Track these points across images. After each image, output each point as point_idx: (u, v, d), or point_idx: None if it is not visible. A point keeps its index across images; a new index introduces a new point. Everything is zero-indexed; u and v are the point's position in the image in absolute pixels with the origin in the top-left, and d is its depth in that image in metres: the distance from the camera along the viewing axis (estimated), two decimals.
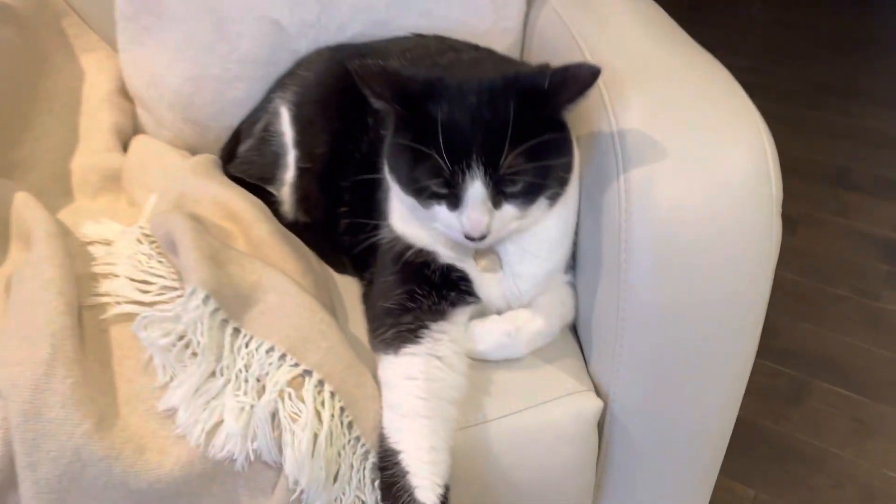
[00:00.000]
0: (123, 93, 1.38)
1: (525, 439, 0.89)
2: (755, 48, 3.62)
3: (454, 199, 0.83)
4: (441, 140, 0.78)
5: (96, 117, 1.31)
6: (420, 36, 1.23)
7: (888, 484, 1.62)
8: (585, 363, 0.96)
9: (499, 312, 0.95)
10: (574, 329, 1.01)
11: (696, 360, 0.86)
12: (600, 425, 0.93)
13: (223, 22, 1.26)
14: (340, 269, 1.09)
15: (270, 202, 1.13)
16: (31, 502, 0.76)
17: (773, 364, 1.87)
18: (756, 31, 3.85)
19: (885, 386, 1.83)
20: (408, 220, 0.94)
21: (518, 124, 0.79)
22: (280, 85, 1.20)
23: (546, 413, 0.89)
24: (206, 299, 0.86)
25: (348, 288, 1.06)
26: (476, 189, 0.81)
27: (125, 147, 1.32)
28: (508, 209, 0.83)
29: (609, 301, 0.87)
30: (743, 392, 0.90)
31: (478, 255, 0.92)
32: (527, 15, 1.37)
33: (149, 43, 1.30)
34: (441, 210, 0.84)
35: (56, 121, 1.31)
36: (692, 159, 0.83)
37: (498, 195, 0.82)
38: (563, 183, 0.86)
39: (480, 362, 0.92)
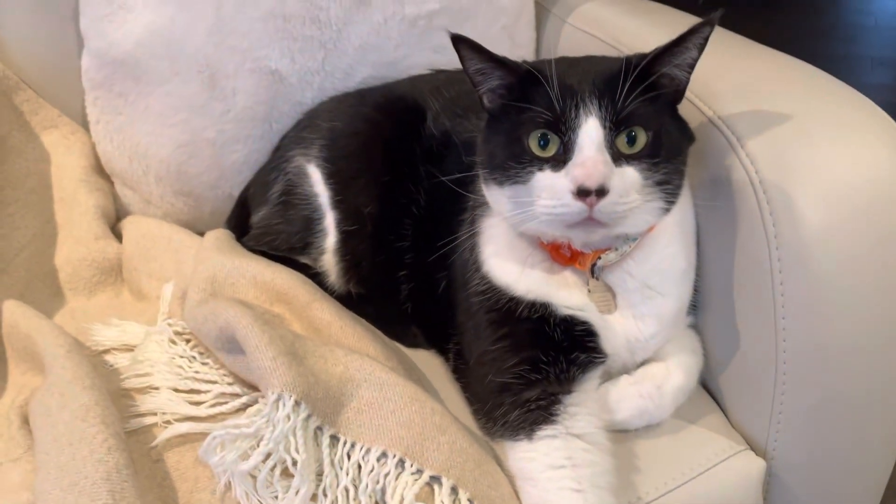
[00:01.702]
0: (99, 170, 1.21)
1: None
2: None
3: (562, 154, 0.71)
4: (553, 75, 0.71)
5: (74, 202, 1.13)
6: (441, 71, 1.11)
7: None
8: (727, 416, 0.84)
9: (624, 369, 0.82)
10: None
11: (867, 397, 0.76)
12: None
13: (215, 78, 1.12)
14: (410, 342, 0.94)
15: (310, 275, 0.97)
16: None
17: None
18: None
19: None
20: (507, 258, 0.81)
21: (632, 85, 0.71)
22: (297, 141, 1.05)
23: (708, 483, 0.76)
24: (296, 406, 0.69)
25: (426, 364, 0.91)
26: (591, 127, 0.70)
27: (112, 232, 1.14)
28: (630, 171, 0.71)
29: (762, 343, 0.76)
30: None
31: (592, 294, 0.79)
32: (537, 41, 1.28)
33: (127, 111, 1.15)
34: (544, 176, 0.72)
35: (25, 211, 1.13)
36: (837, 170, 0.73)
37: (614, 151, 0.71)
38: (680, 173, 0.75)
39: (617, 433, 0.78)
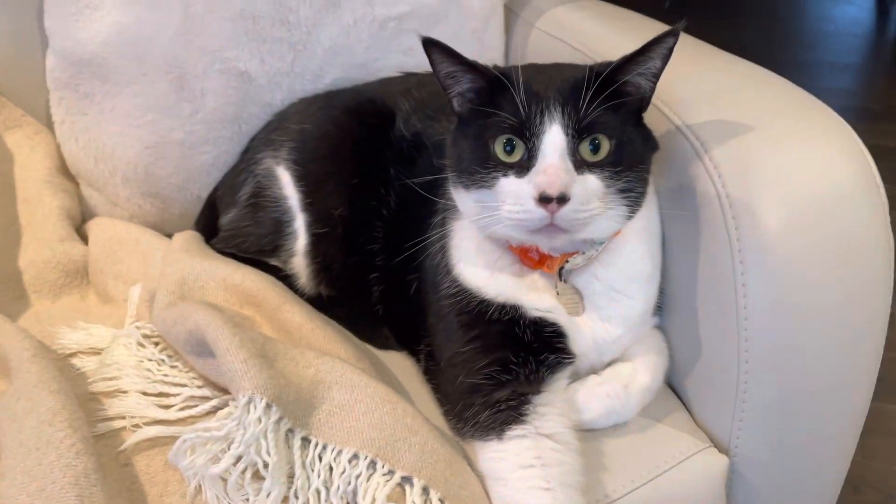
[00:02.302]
0: (64, 171, 1.20)
1: None
2: None
3: (526, 160, 0.72)
4: (519, 81, 0.72)
5: (39, 203, 1.12)
6: (411, 74, 1.12)
7: None
8: (691, 414, 0.86)
9: (592, 370, 0.83)
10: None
11: (826, 390, 0.78)
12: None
13: (184, 79, 1.11)
14: (382, 344, 0.94)
15: (280, 278, 0.97)
16: None
17: None
18: None
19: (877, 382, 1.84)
20: (477, 261, 0.82)
21: (596, 93, 0.72)
22: (266, 143, 1.06)
23: (673, 480, 0.78)
24: (267, 409, 0.70)
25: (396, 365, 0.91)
26: (554, 134, 0.71)
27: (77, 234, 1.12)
28: (591, 179, 0.72)
29: (725, 343, 0.78)
30: (865, 413, 0.83)
31: (560, 296, 0.81)
32: (506, 44, 1.29)
33: (93, 111, 1.14)
34: (508, 182, 0.73)
35: None
36: (796, 176, 0.75)
37: (577, 159, 0.72)
38: (643, 181, 0.76)
39: (586, 432, 0.79)
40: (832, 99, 0.83)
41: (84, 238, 1.13)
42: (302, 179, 0.98)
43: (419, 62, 1.17)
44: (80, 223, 1.16)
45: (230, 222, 1.05)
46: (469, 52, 1.24)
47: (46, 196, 1.12)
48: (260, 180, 1.02)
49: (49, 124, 1.20)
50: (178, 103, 1.11)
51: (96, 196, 1.18)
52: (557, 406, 0.76)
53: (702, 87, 0.87)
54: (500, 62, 1.29)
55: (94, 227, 1.10)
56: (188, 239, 1.00)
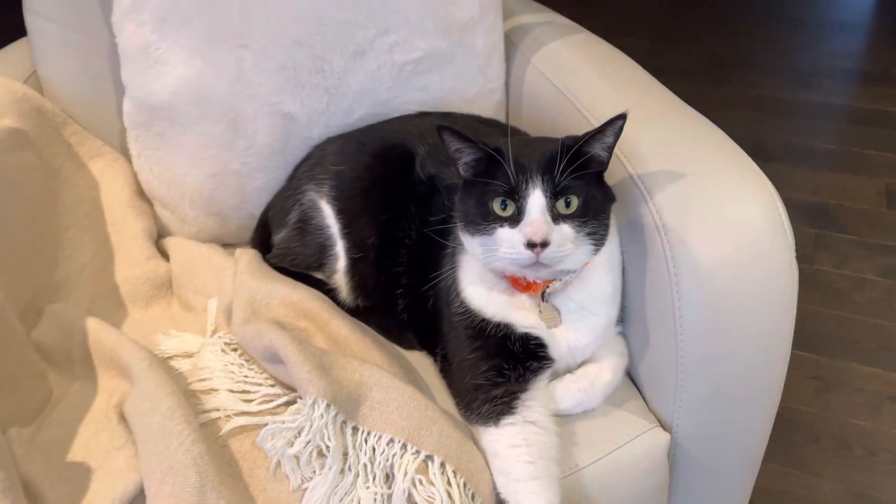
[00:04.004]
0: (141, 195, 1.42)
1: (612, 479, 1.03)
2: (652, 29, 3.81)
3: (516, 215, 0.94)
4: (510, 157, 0.94)
5: (125, 226, 1.35)
6: (425, 114, 1.34)
7: (857, 431, 1.83)
8: (645, 401, 1.11)
9: (568, 368, 1.08)
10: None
11: (744, 386, 1.02)
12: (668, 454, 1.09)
13: (238, 121, 1.33)
14: (407, 345, 1.19)
15: (326, 291, 1.22)
16: None
17: None
18: (649, 12, 4.08)
19: (833, 341, 2.04)
20: (479, 286, 1.04)
21: (567, 162, 0.93)
22: (310, 177, 1.27)
23: (627, 453, 1.03)
24: (327, 407, 0.96)
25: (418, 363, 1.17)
26: (536, 197, 0.94)
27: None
28: (565, 228, 0.94)
29: (666, 348, 1.02)
30: (778, 402, 1.08)
31: (542, 313, 1.04)
32: (507, 74, 1.50)
33: (164, 147, 1.35)
34: (504, 231, 0.95)
35: (83, 234, 1.33)
36: (720, 219, 0.98)
37: (554, 213, 0.93)
38: (605, 226, 0.97)
39: (562, 417, 1.05)
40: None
41: (162, 253, 1.37)
42: (340, 213, 1.21)
43: (433, 97, 1.40)
44: (157, 239, 1.41)
45: (282, 241, 1.30)
46: (474, 84, 1.48)
47: (131, 219, 1.36)
48: (305, 210, 1.26)
49: (123, 152, 1.42)
50: (234, 140, 1.33)
51: (168, 215, 1.41)
52: (540, 399, 1.01)
53: (653, 141, 1.07)
54: (501, 92, 1.49)
55: (171, 247, 1.34)
56: (251, 261, 1.24)
